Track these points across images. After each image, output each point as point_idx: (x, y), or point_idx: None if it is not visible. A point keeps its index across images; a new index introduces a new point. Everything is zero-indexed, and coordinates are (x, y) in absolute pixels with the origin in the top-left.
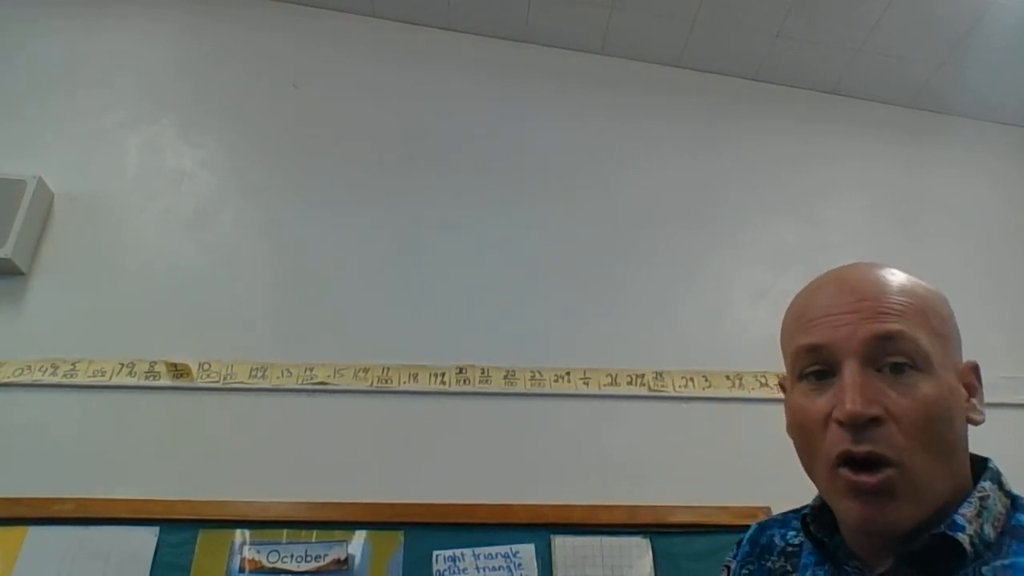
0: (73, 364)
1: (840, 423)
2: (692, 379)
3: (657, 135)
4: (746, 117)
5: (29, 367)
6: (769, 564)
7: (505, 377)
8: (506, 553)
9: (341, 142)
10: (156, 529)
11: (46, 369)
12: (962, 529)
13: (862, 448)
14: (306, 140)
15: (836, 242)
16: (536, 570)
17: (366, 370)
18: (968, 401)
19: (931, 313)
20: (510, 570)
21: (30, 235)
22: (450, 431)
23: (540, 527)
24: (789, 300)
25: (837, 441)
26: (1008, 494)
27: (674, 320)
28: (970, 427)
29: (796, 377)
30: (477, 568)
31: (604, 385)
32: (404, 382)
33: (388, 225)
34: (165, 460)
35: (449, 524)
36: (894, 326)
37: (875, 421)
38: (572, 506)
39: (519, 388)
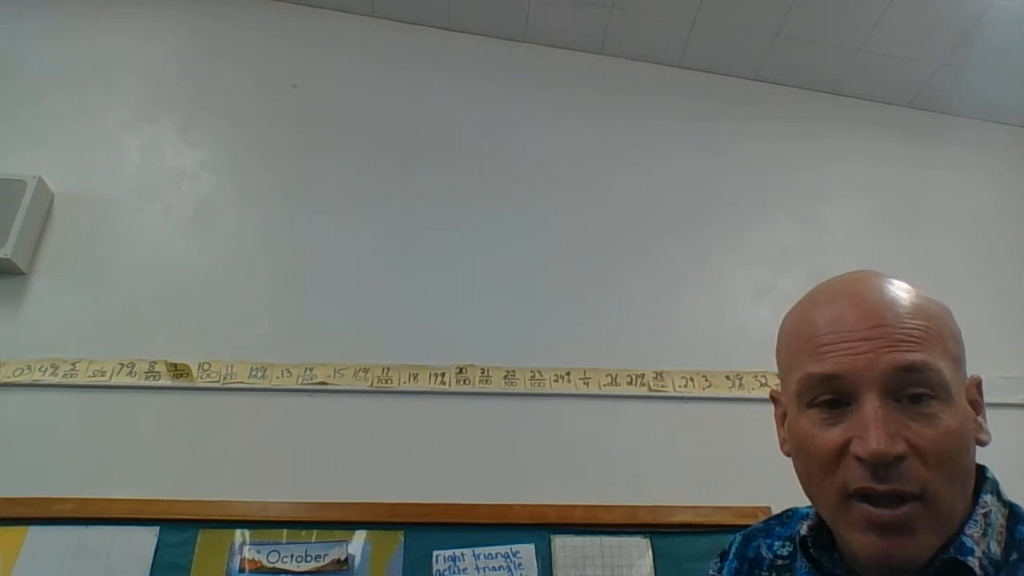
0: (73, 364)
1: (860, 459)
2: (692, 379)
3: (657, 135)
4: (746, 117)
5: (29, 367)
6: None
7: (505, 377)
8: (506, 553)
9: (341, 142)
10: (156, 529)
11: (46, 369)
12: (971, 552)
13: (884, 487)
14: (306, 140)
15: (836, 242)
16: (536, 570)
17: (366, 370)
18: (975, 421)
19: (947, 335)
20: (510, 570)
21: (30, 235)
22: (450, 431)
23: (540, 527)
24: (789, 300)
25: (855, 476)
26: (1006, 503)
27: (674, 320)
28: None
29: (804, 404)
30: (477, 568)
31: (604, 385)
32: (404, 382)
33: (388, 225)
34: (165, 460)
35: (449, 524)
36: (916, 356)
37: (898, 458)
38: (572, 506)
39: (519, 388)
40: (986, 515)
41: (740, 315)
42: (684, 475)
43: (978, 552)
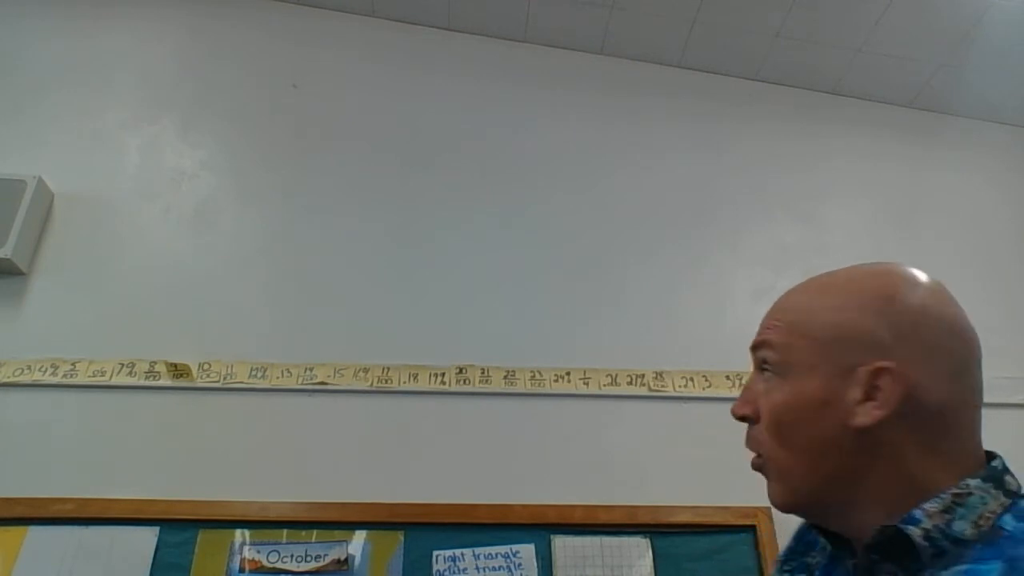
0: (73, 364)
1: None
2: (692, 379)
3: (657, 135)
4: (746, 117)
5: (29, 367)
6: (809, 559)
7: (505, 377)
8: (506, 553)
9: (341, 142)
10: (156, 529)
11: (46, 369)
12: (917, 523)
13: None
14: (306, 140)
15: (836, 242)
16: (536, 570)
17: (366, 370)
18: (860, 404)
19: (812, 324)
20: (510, 570)
21: (30, 235)
22: (450, 431)
23: (540, 527)
24: None
25: None
26: (1009, 493)
27: (674, 320)
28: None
29: None
30: (477, 568)
31: (604, 385)
32: (404, 382)
33: (388, 225)
34: (165, 460)
35: (449, 524)
36: (765, 336)
37: (746, 419)
38: (572, 506)
39: (519, 388)
40: (959, 495)
41: (740, 315)
42: (684, 475)
43: (927, 524)
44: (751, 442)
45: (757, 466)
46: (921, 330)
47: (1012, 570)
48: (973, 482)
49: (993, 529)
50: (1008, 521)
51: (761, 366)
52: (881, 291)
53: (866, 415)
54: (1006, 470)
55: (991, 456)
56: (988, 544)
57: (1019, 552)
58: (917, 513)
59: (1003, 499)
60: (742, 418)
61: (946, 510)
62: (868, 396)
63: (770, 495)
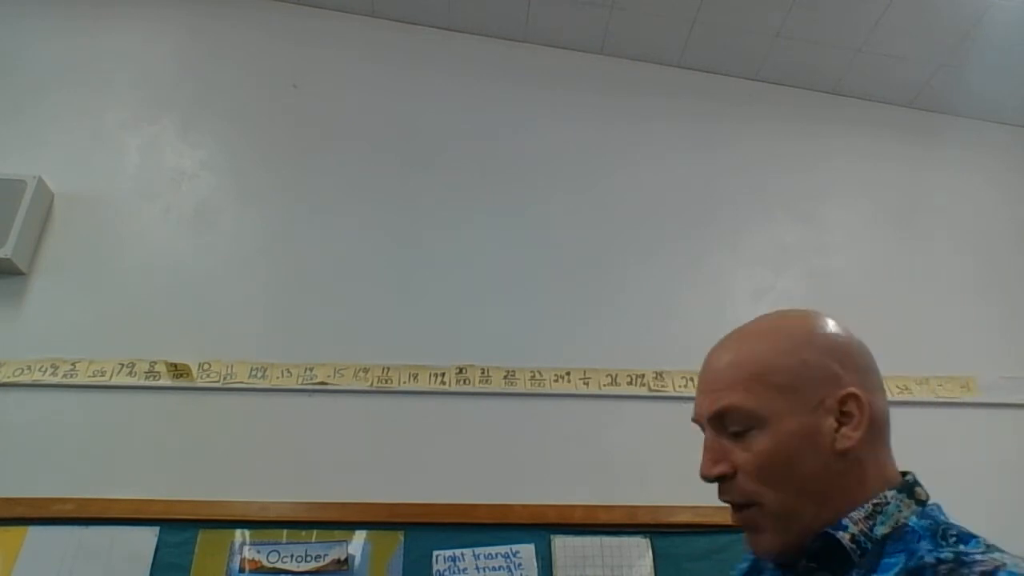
0: (73, 364)
1: None
2: (692, 379)
3: (657, 135)
4: (746, 117)
5: (29, 367)
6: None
7: (505, 377)
8: (506, 553)
9: (341, 142)
10: (156, 529)
11: (46, 369)
12: (845, 528)
13: (723, 498)
14: (306, 140)
15: (836, 242)
16: (536, 570)
17: (366, 370)
18: (837, 431)
19: (770, 373)
20: (510, 570)
21: (30, 235)
22: (450, 431)
23: (540, 527)
24: (789, 300)
25: None
26: (920, 503)
27: (674, 320)
28: (966, 427)
29: None
30: (477, 568)
31: (604, 385)
32: (404, 382)
33: (388, 225)
34: (165, 460)
35: (449, 524)
36: (724, 402)
37: (723, 477)
38: (572, 506)
39: (519, 388)
40: (878, 504)
41: (740, 315)
42: (684, 475)
43: (853, 530)
44: (733, 494)
45: (744, 520)
46: (855, 356)
47: (910, 557)
48: (890, 493)
49: (900, 528)
50: (913, 520)
51: (730, 431)
52: (817, 329)
53: (846, 438)
54: (916, 483)
55: (904, 472)
56: (897, 540)
57: (916, 546)
58: (845, 521)
59: (914, 507)
60: (718, 477)
61: (868, 517)
62: (840, 423)
63: (761, 545)
